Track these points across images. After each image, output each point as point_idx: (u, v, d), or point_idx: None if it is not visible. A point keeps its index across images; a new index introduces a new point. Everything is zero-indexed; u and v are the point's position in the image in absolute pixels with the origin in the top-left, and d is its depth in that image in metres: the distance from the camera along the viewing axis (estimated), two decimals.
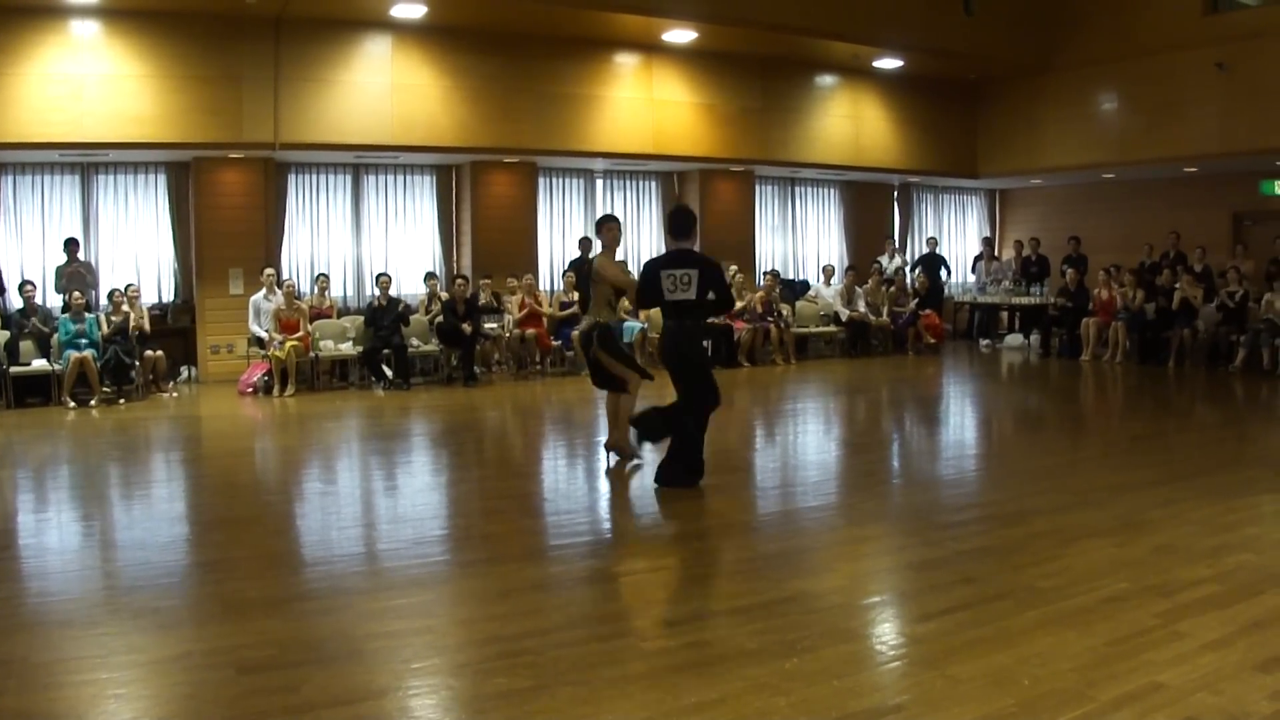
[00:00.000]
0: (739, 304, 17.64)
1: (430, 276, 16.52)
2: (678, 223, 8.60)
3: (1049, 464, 9.53)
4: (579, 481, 8.95)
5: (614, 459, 9.34)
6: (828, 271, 20.38)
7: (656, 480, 8.41)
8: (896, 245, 22.00)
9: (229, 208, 15.63)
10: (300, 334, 14.65)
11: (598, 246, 9.32)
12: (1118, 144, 19.26)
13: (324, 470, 9.84)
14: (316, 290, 15.92)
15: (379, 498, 8.65)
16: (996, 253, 22.67)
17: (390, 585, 6.04)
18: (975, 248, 23.33)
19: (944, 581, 5.94)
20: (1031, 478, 8.84)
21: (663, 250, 8.59)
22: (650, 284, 8.45)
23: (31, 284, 14.30)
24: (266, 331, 14.73)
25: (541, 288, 17.57)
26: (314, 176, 16.99)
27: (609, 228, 9.25)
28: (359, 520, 7.73)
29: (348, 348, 15.29)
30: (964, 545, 6.70)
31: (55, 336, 13.69)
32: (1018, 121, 21.05)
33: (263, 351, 14.77)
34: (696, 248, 8.87)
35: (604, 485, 8.74)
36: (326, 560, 6.57)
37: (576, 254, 17.60)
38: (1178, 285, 17.34)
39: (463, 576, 6.30)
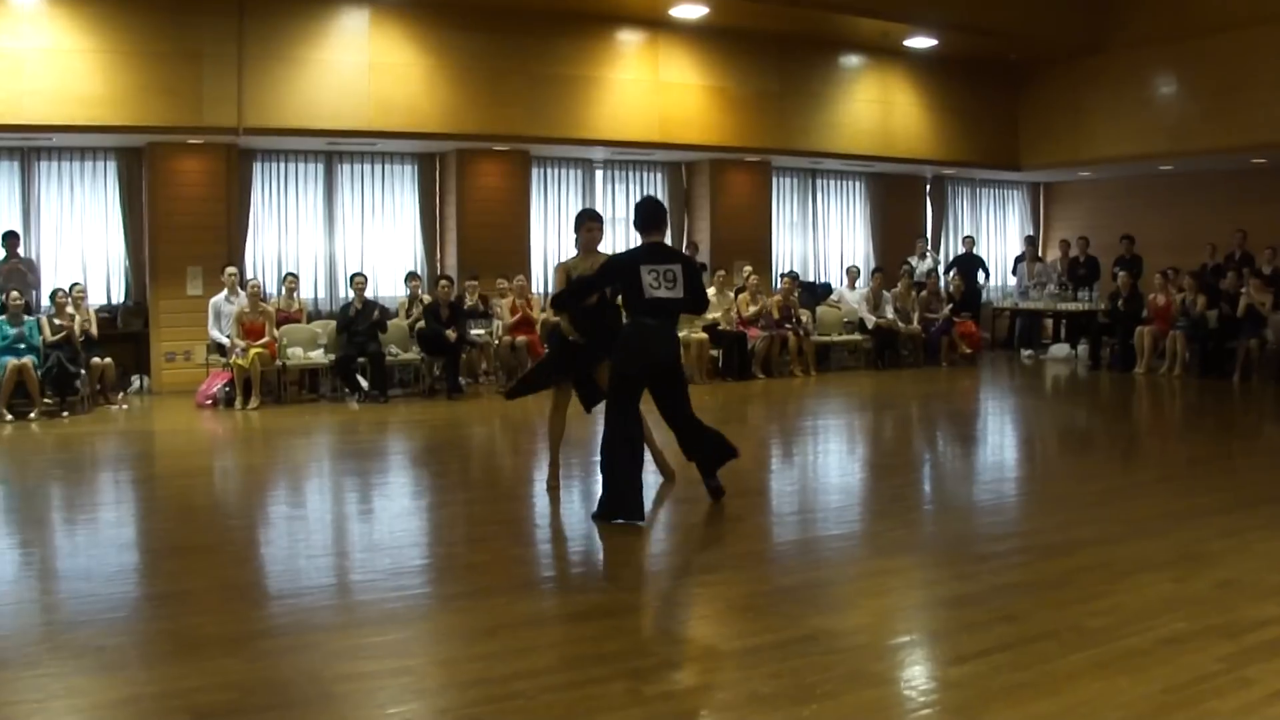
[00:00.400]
0: (754, 308, 17.65)
1: (412, 277, 16.52)
2: (651, 214, 8.49)
3: (1098, 489, 9.50)
4: (575, 506, 8.93)
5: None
6: (852, 273, 20.38)
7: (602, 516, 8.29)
8: (929, 245, 22.01)
9: (187, 199, 15.63)
10: (265, 340, 14.64)
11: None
12: (1176, 132, 19.23)
13: (291, 492, 9.83)
14: (284, 291, 15.93)
15: (352, 523, 8.64)
16: (1040, 253, 22.67)
17: (364, 621, 6.01)
18: (1017, 248, 23.31)
19: (980, 620, 5.92)
20: (1079, 504, 8.82)
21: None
22: (607, 280, 8.44)
23: None
24: (228, 337, 14.72)
25: (535, 290, 17.58)
26: (282, 165, 17.01)
27: (588, 227, 9.03)
28: (330, 548, 7.72)
29: (318, 356, 15.28)
30: (1003, 579, 6.68)
31: None
32: (1065, 107, 21.04)
33: (224, 359, 14.75)
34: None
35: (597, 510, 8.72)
36: (293, 593, 6.56)
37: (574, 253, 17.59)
38: (1244, 290, 17.30)
39: (445, 611, 6.29)
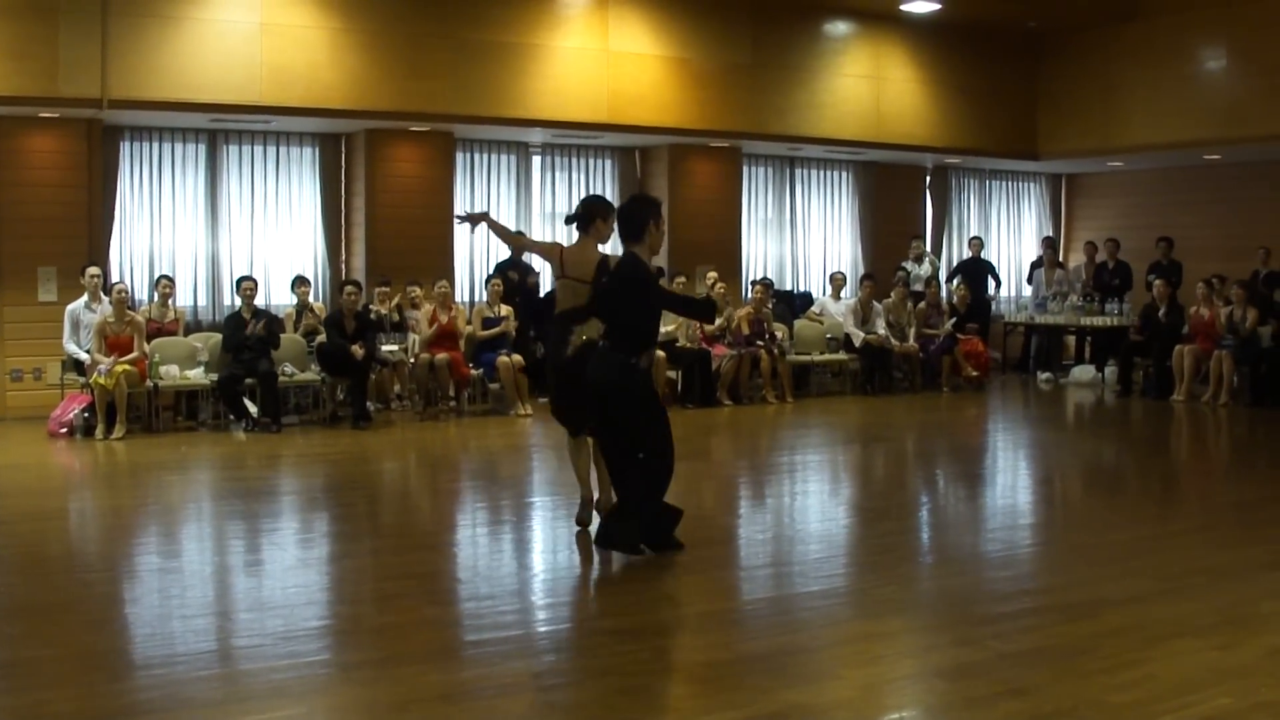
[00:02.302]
0: (718, 322, 17.67)
1: (300, 282, 16.48)
2: (630, 219, 8.75)
3: (1128, 539, 9.57)
4: (505, 557, 8.93)
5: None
6: (837, 281, 20.45)
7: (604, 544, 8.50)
8: (928, 248, 22.12)
9: (38, 185, 15.50)
10: (134, 356, 14.55)
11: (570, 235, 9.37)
12: (1226, 115, 19.39)
13: (163, 540, 9.76)
14: (157, 298, 15.85)
15: (237, 577, 8.60)
16: (1061, 258, 22.84)
17: (249, 695, 6.00)
18: (1033, 251, 23.49)
19: (985, 694, 5.96)
20: (1104, 557, 8.89)
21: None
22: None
23: None
24: (88, 352, 14.63)
25: (458, 299, 17.56)
26: (155, 146, 16.90)
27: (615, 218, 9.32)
28: (209, 607, 7.67)
29: (197, 375, 15.20)
30: (1012, 645, 6.73)
31: None
32: (1092, 85, 21.23)
33: (82, 379, 14.66)
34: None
35: (538, 563, 8.73)
36: (164, 662, 6.51)
37: (506, 255, 17.61)
38: None
39: (346, 683, 6.27)
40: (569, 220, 9.37)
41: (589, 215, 9.27)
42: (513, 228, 18.24)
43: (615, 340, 8.60)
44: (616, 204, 9.22)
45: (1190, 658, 6.50)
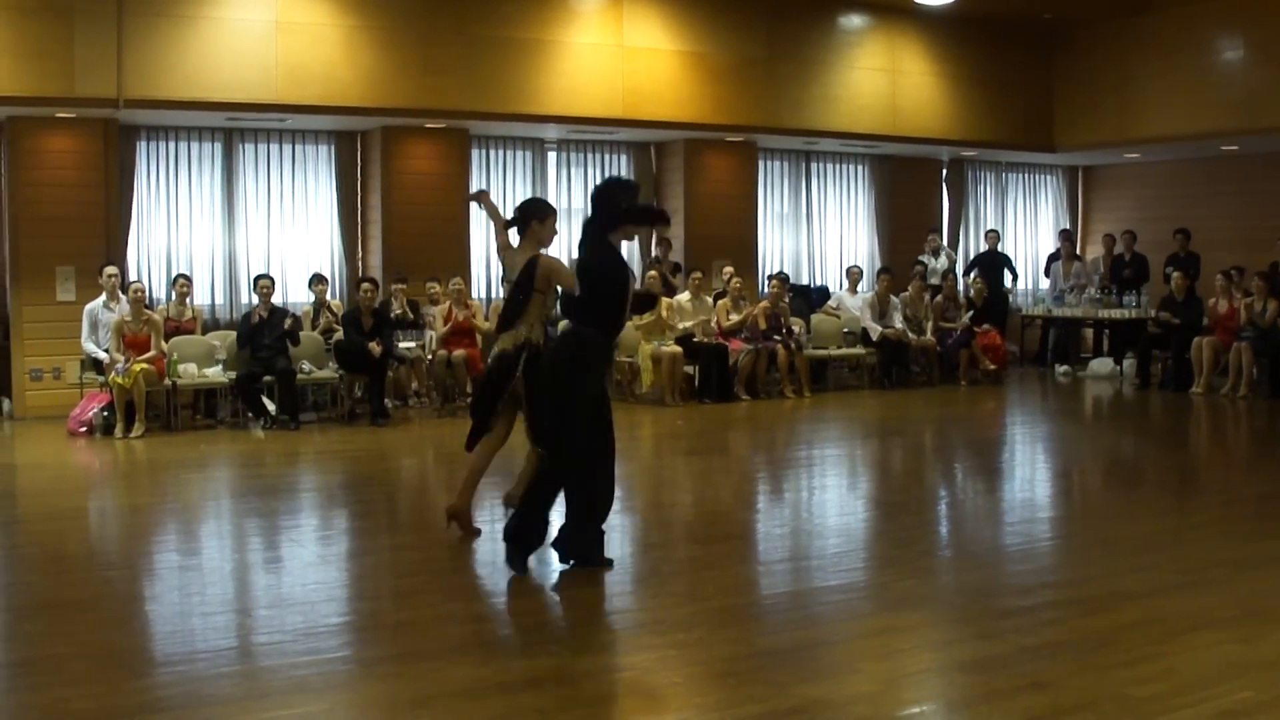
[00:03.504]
0: (736, 317, 17.63)
1: (318, 280, 16.50)
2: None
3: (1148, 531, 9.57)
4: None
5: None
6: (853, 275, 20.43)
7: (564, 559, 8.32)
8: (945, 241, 22.08)
9: (55, 185, 15.53)
10: (152, 355, 14.57)
11: (514, 238, 9.30)
12: (1243, 105, 19.31)
13: (183, 537, 9.79)
14: (174, 296, 15.88)
15: (256, 574, 8.63)
16: (1079, 250, 22.77)
17: (269, 691, 6.01)
18: (1050, 244, 23.46)
19: (1005, 687, 5.95)
20: (1124, 549, 8.87)
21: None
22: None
23: None
24: (106, 351, 14.66)
25: (475, 295, 17.56)
26: (172, 144, 16.94)
27: (553, 219, 9.24)
28: (229, 604, 7.70)
29: (215, 373, 15.22)
30: (1032, 639, 6.72)
31: None
32: (1108, 76, 21.17)
33: (101, 378, 14.69)
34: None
35: (555, 558, 8.72)
36: (184, 658, 6.54)
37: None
38: None
39: (366, 679, 6.29)
40: (508, 224, 9.29)
41: (524, 219, 9.14)
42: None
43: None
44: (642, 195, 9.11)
45: (1211, 651, 6.48)
